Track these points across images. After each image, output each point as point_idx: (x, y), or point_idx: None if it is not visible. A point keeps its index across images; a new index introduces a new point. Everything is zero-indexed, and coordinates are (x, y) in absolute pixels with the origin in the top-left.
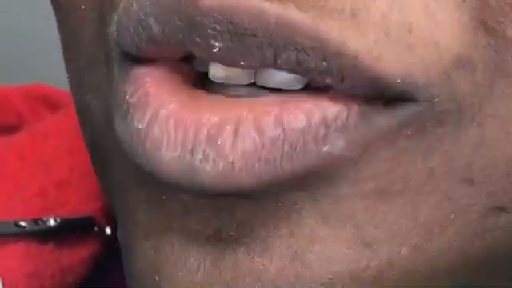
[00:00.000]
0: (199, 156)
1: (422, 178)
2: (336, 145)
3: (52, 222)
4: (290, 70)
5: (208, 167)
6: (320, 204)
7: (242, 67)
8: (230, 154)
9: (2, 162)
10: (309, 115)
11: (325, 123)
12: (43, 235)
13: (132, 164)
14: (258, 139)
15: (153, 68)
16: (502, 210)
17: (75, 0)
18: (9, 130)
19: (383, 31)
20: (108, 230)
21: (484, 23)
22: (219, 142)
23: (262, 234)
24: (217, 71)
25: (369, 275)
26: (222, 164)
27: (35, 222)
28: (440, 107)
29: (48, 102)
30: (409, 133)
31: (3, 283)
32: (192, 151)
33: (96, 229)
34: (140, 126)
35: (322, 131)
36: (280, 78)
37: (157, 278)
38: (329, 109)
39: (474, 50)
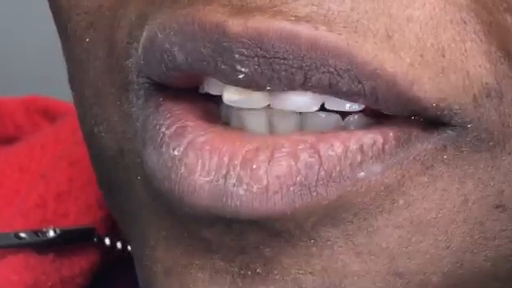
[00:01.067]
0: (233, 180)
1: (456, 205)
2: (372, 171)
3: (52, 234)
4: (320, 91)
5: (241, 190)
6: (353, 238)
7: (268, 91)
8: (264, 177)
9: (1, 173)
10: (345, 142)
11: (361, 150)
12: (43, 247)
13: (158, 196)
14: (293, 163)
15: (187, 103)
16: None
17: (81, 32)
18: (7, 141)
19: (418, 54)
20: (107, 241)
21: (509, 53)
22: (254, 166)
23: (292, 271)
24: (231, 96)
25: None
26: (256, 187)
27: (35, 233)
28: (473, 133)
29: (47, 114)
30: (445, 157)
31: None
32: (226, 176)
33: (96, 240)
34: (176, 153)
35: (358, 158)
36: (297, 100)
37: None
38: (365, 136)
39: (502, 80)
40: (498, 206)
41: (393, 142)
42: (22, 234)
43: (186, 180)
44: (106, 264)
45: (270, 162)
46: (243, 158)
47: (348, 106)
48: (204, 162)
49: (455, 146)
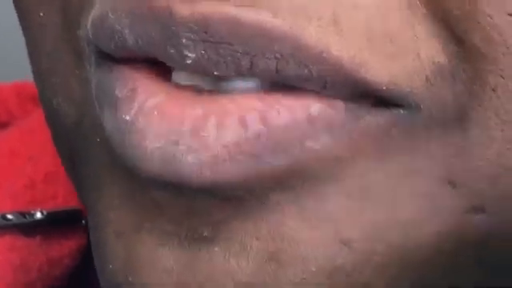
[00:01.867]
0: (183, 147)
1: (405, 178)
2: (321, 142)
3: (39, 215)
4: (267, 78)
5: (190, 158)
6: (303, 204)
7: (215, 76)
8: (213, 145)
9: None
10: (292, 111)
11: (309, 120)
12: (30, 228)
13: (114, 159)
14: (242, 133)
15: (136, 65)
16: (481, 211)
17: (34, 8)
18: (0, 126)
19: (366, 39)
20: None
21: (454, 34)
22: (203, 134)
23: (239, 235)
24: (180, 78)
25: (344, 273)
26: (204, 155)
27: (22, 215)
28: (426, 112)
29: (35, 98)
30: (396, 133)
31: None
32: (176, 142)
33: (84, 222)
34: (127, 118)
35: (306, 128)
36: (245, 85)
37: (130, 279)
38: (313, 105)
39: (453, 59)
40: (447, 182)
41: (343, 115)
42: (9, 216)
43: (136, 146)
44: None
45: (218, 129)
46: (192, 125)
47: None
48: (153, 128)
49: (407, 123)
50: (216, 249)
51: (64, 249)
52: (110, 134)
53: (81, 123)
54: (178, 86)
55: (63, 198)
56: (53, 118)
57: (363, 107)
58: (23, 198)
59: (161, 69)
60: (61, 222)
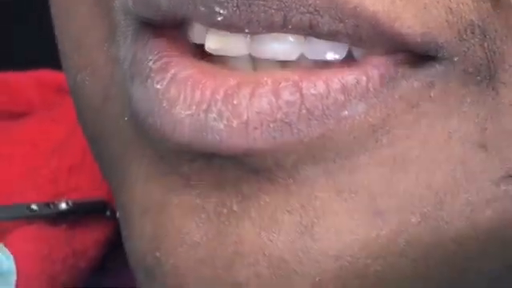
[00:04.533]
0: (213, 115)
1: (439, 143)
2: (356, 110)
3: (64, 206)
4: (301, 32)
5: (221, 125)
6: (334, 177)
7: (246, 34)
8: (244, 112)
9: (13, 146)
10: (328, 81)
11: (344, 89)
12: (55, 219)
13: (142, 131)
14: (274, 100)
15: (174, 41)
16: None
17: None
18: (18, 116)
19: None
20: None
21: None
22: (235, 102)
23: (269, 208)
24: (212, 42)
25: (377, 244)
26: (235, 122)
27: (47, 205)
28: (461, 66)
29: (59, 89)
30: (432, 94)
31: (16, 263)
32: (207, 110)
33: (108, 213)
34: (159, 87)
35: (341, 97)
36: (277, 48)
37: (157, 254)
38: (348, 75)
39: (485, 18)
40: (480, 145)
41: (377, 81)
42: (34, 206)
43: (167, 113)
44: (119, 238)
45: (251, 97)
46: (225, 93)
47: (328, 55)
48: (186, 96)
49: (443, 82)
50: (246, 223)
51: (88, 240)
52: (139, 105)
53: (106, 102)
54: (212, 61)
55: (87, 190)
56: (78, 96)
57: (398, 71)
58: (47, 190)
59: (198, 51)
60: (85, 213)
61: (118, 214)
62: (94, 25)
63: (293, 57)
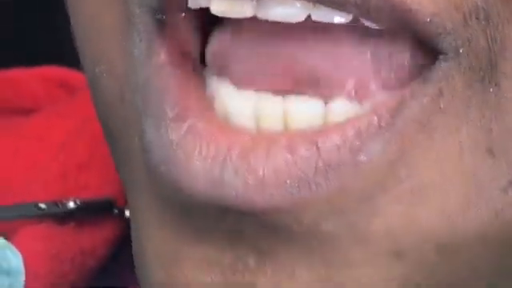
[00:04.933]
0: (229, 170)
1: (453, 157)
2: (373, 150)
3: (72, 205)
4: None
5: (238, 181)
6: (355, 227)
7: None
8: (260, 169)
9: (20, 142)
10: (342, 132)
11: (359, 134)
12: (64, 218)
13: (153, 175)
14: (290, 157)
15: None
16: None
17: None
18: (25, 112)
19: None
20: (128, 213)
21: None
22: (251, 159)
23: (288, 265)
24: (217, 4)
25: (397, 283)
26: (252, 179)
27: (55, 204)
28: (465, 60)
29: (65, 85)
30: (441, 105)
31: (24, 262)
32: (223, 165)
33: (116, 211)
34: (174, 137)
35: (357, 142)
36: (283, 10)
37: None
38: (359, 120)
39: (489, 2)
40: (488, 151)
41: (387, 114)
42: (42, 205)
43: (182, 165)
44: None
45: (267, 154)
46: (241, 149)
47: (336, 19)
48: (201, 149)
49: (450, 86)
50: (262, 279)
51: (97, 239)
52: (152, 149)
53: (121, 105)
54: (228, 118)
55: (96, 188)
56: (95, 87)
57: (405, 93)
58: (56, 188)
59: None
60: (94, 212)
61: (127, 214)
62: (109, 12)
63: (300, 18)
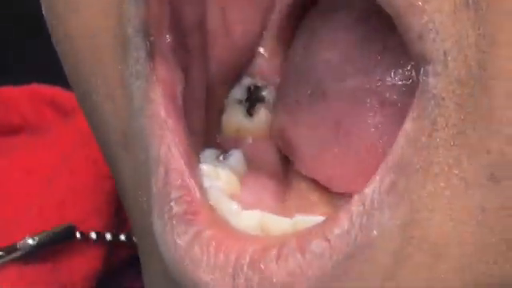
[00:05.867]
0: (241, 280)
1: (461, 197)
2: (383, 222)
3: (31, 241)
4: None
5: None
6: None
7: None
8: (274, 276)
9: (10, 177)
10: (348, 214)
11: (365, 209)
12: (38, 256)
13: (165, 268)
14: (301, 258)
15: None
16: None
17: None
18: (12, 131)
19: None
20: (108, 236)
21: None
22: (262, 266)
23: None
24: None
25: None
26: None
27: (11, 247)
28: (454, 70)
29: (53, 104)
30: (438, 139)
31: None
32: (233, 276)
33: (78, 235)
34: (180, 243)
35: (364, 218)
36: None
37: None
38: (364, 195)
39: None
40: (491, 177)
41: (389, 175)
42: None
43: (190, 274)
44: (115, 263)
45: (277, 260)
46: (251, 258)
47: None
48: (209, 258)
49: (442, 110)
50: None
51: (76, 273)
52: (161, 245)
53: (124, 147)
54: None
55: (77, 224)
56: (93, 121)
57: (403, 153)
58: (35, 228)
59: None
60: (56, 241)
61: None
62: (105, 27)
63: None
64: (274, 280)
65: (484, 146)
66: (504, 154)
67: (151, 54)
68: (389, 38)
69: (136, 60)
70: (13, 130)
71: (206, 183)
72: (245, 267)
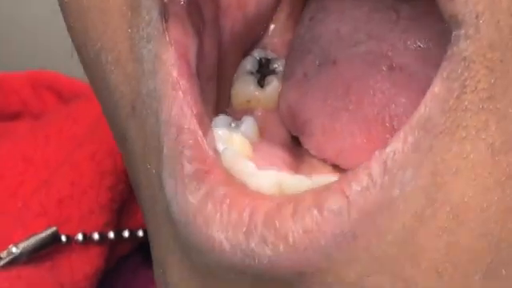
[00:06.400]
0: (256, 239)
1: (486, 163)
2: (405, 181)
3: (14, 250)
4: None
5: (267, 250)
6: (402, 276)
7: None
8: (289, 234)
9: (3, 164)
10: (367, 170)
11: (385, 166)
12: (38, 257)
13: (174, 230)
14: (318, 215)
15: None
16: None
17: None
18: (11, 116)
19: None
20: (96, 236)
21: None
22: (277, 224)
23: None
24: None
25: None
26: (282, 246)
27: None
28: (485, 35)
29: (53, 89)
30: (466, 102)
31: None
32: (247, 234)
33: (64, 238)
34: (193, 201)
35: (386, 177)
36: None
37: None
38: (384, 152)
39: None
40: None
41: (413, 135)
42: None
43: (203, 232)
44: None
45: (293, 217)
46: (265, 215)
47: None
48: (222, 216)
49: (472, 73)
50: None
51: (77, 274)
52: (172, 205)
53: (133, 113)
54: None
55: (78, 221)
56: (100, 77)
57: (428, 109)
58: (36, 226)
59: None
60: (41, 246)
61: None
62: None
63: None
64: (290, 238)
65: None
66: None
67: (164, 16)
68: (401, 8)
69: (147, 22)
70: (13, 115)
71: (219, 146)
72: (259, 225)
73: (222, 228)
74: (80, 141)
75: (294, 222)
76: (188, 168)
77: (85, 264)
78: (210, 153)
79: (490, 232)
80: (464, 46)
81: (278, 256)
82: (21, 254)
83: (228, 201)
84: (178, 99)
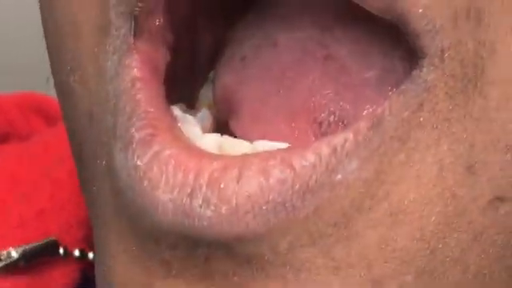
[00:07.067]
0: (199, 200)
1: (432, 177)
2: (349, 169)
3: (14, 254)
4: None
5: (209, 211)
6: (332, 254)
7: None
8: (233, 197)
9: None
10: (317, 150)
11: (334, 152)
12: (12, 269)
13: (121, 203)
14: (264, 181)
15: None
16: (501, 200)
17: None
18: (0, 138)
19: None
20: (76, 253)
21: None
22: (221, 186)
23: None
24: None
25: None
26: (224, 208)
27: None
28: (449, 66)
29: (41, 112)
30: (421, 119)
31: None
32: (191, 195)
33: (62, 251)
34: (139, 163)
35: (332, 160)
36: None
37: None
38: (335, 138)
39: (481, 0)
40: (468, 168)
41: (365, 130)
42: None
43: (148, 195)
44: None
45: (238, 180)
46: (210, 177)
47: None
48: (168, 178)
49: (431, 97)
50: None
51: (53, 286)
52: (118, 174)
53: (89, 122)
54: (196, 144)
55: (55, 234)
56: (66, 93)
57: (385, 109)
58: (15, 237)
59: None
60: (39, 255)
61: (96, 273)
62: (86, 15)
63: None
64: (233, 201)
65: (468, 139)
66: (488, 152)
67: (135, 32)
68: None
69: (116, 38)
70: (1, 138)
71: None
72: (204, 187)
73: (167, 189)
74: (64, 157)
75: (239, 186)
76: (137, 136)
77: (62, 278)
78: (162, 122)
79: (427, 240)
80: (426, 71)
81: (219, 217)
82: (18, 260)
83: (173, 162)
84: (135, 89)
